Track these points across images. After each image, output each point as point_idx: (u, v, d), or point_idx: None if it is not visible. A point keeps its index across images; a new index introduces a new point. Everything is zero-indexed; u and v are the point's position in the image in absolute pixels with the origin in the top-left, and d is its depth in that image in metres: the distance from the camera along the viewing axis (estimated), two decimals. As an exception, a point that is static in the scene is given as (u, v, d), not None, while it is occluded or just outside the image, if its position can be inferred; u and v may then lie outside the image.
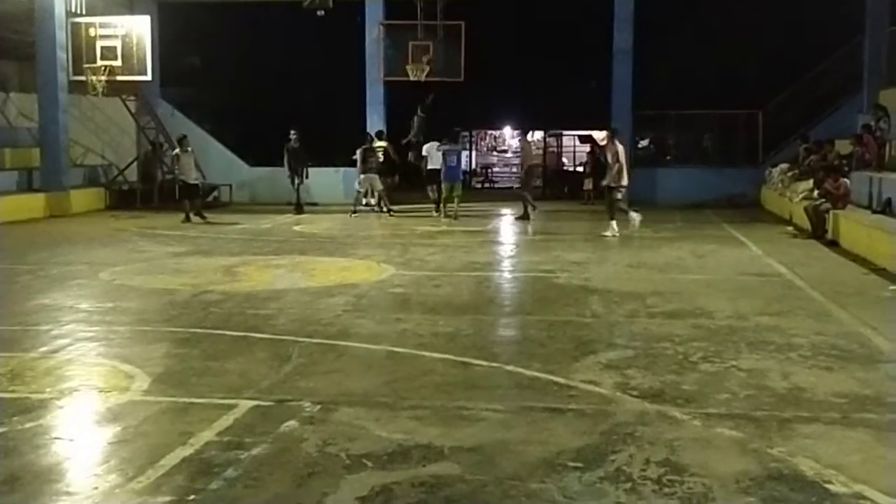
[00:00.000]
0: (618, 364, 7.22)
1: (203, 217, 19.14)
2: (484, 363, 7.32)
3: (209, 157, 23.80)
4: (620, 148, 16.54)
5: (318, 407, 6.09)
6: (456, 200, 19.55)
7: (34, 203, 19.96)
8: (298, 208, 21.05)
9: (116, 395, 6.46)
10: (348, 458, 5.13)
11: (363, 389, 6.58)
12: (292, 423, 5.78)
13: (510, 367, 7.15)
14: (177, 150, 19.77)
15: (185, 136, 20.01)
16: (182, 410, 6.10)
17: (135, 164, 24.05)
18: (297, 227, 18.20)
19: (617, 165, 16.25)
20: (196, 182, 19.61)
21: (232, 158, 24.81)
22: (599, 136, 27.78)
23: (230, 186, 24.24)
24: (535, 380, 6.82)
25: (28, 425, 5.78)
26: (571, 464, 5.04)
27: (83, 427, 5.89)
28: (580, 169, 21.27)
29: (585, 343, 7.97)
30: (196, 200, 19.55)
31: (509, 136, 33.45)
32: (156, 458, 5.11)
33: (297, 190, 21.16)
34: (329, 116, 24.66)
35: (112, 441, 5.53)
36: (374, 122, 23.49)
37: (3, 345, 8.06)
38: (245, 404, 6.16)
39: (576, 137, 29.72)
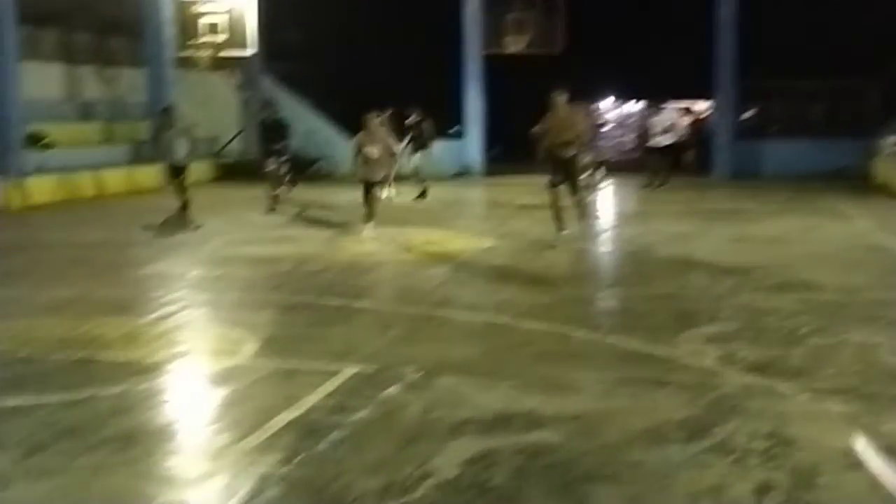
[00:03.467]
0: (722, 337, 7.11)
1: (275, 202, 16.26)
2: (584, 334, 7.30)
3: (312, 130, 24.15)
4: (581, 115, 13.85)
5: (420, 374, 6.17)
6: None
7: (144, 175, 20.59)
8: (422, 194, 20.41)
9: (226, 358, 6.66)
10: (450, 424, 5.19)
11: (464, 358, 6.64)
12: (395, 389, 5.87)
13: (611, 339, 7.11)
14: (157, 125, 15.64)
15: (167, 108, 15.59)
16: (288, 374, 6.25)
17: (239, 137, 24.57)
18: (397, 199, 18.34)
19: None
20: (183, 164, 14.67)
21: (334, 131, 25.12)
22: (699, 107, 27.27)
23: (332, 159, 24.56)
24: (636, 352, 6.77)
25: (142, 387, 6.01)
26: (674, 434, 5.00)
27: (195, 389, 6.10)
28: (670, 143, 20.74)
29: (688, 316, 7.86)
30: (281, 182, 16.60)
31: (609, 107, 33.05)
32: (264, 420, 5.25)
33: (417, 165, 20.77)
34: (427, 90, 24.71)
35: (223, 402, 5.71)
36: (472, 96, 23.48)
37: (118, 310, 8.38)
38: (349, 370, 6.27)
39: (675, 109, 29.16)
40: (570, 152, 11.78)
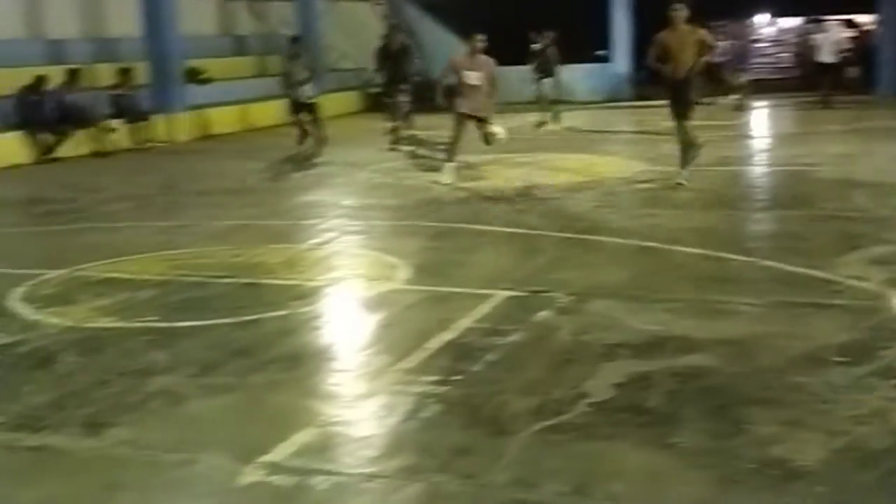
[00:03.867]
0: (888, 259, 6.83)
1: (397, 140, 15.30)
2: (739, 258, 7.15)
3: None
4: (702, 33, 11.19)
5: (572, 298, 6.20)
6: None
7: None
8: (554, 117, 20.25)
9: (381, 283, 6.85)
10: (603, 347, 5.22)
11: (615, 282, 6.63)
12: (547, 312, 5.93)
13: (767, 262, 6.94)
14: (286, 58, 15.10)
15: (295, 38, 15.35)
16: (442, 299, 6.39)
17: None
18: (542, 126, 18.21)
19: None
20: (309, 101, 14.27)
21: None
22: (862, 21, 25.71)
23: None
24: (794, 275, 6.60)
25: (305, 309, 6.28)
26: (836, 358, 4.88)
27: (353, 312, 6.31)
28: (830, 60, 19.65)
29: (850, 238, 7.57)
30: (400, 116, 15.36)
31: (765, 23, 31.57)
32: (421, 342, 5.41)
33: (544, 91, 20.62)
34: (571, 14, 24.19)
35: (380, 325, 5.90)
36: (619, 18, 22.89)
37: (278, 237, 8.72)
38: (500, 294, 6.36)
39: (836, 24, 27.59)
40: (687, 74, 10.37)
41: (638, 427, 4.15)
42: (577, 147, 14.88)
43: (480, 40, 11.63)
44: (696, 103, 11.01)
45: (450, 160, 11.70)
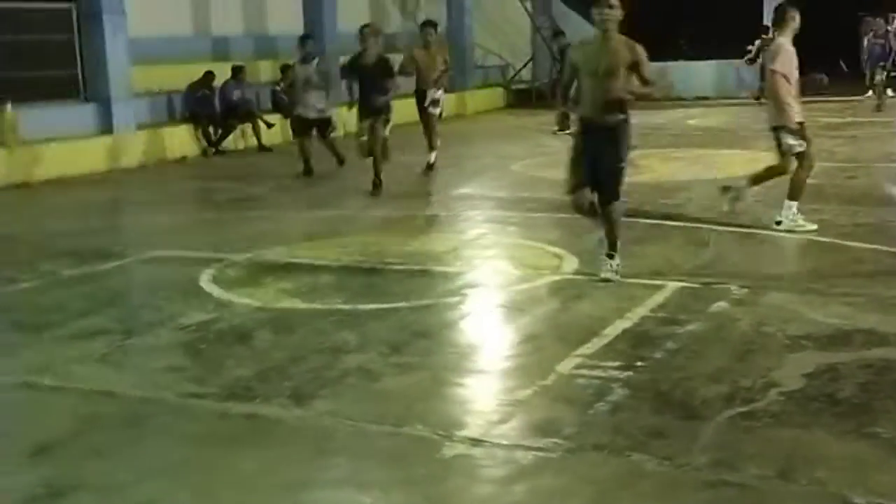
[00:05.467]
0: None
1: (340, 160, 12.67)
2: (919, 253, 6.96)
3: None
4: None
5: (746, 290, 6.17)
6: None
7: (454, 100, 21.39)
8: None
9: (550, 273, 6.95)
10: (786, 339, 5.19)
11: (789, 275, 6.56)
12: (722, 303, 5.92)
13: (951, 258, 6.74)
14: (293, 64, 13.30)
15: (305, 37, 13.12)
16: (613, 288, 6.44)
17: (530, 64, 24.88)
18: (690, 121, 17.97)
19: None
20: (318, 117, 12.40)
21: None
22: None
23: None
24: (981, 271, 6.39)
25: (478, 296, 6.45)
26: None
27: (525, 300, 6.40)
28: None
29: None
30: (327, 139, 12.70)
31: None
32: (598, 329, 5.48)
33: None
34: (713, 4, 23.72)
35: (555, 312, 6.01)
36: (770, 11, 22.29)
37: (441, 227, 8.94)
38: (672, 285, 6.38)
39: None
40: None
41: (834, 416, 4.14)
42: (727, 142, 14.63)
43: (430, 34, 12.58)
44: None
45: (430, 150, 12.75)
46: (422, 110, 12.53)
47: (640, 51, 6.44)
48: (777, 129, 7.99)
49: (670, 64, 21.41)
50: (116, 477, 3.80)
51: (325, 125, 12.60)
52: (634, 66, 6.44)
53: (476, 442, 4.03)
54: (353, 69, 11.08)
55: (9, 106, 12.38)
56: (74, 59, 14.00)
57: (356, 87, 10.98)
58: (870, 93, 19.14)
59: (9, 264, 7.68)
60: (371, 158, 10.80)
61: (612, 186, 6.63)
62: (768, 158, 12.53)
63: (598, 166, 6.58)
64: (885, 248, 7.17)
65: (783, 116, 7.85)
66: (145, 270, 7.64)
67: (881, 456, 3.75)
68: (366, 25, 11.25)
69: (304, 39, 12.99)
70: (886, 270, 6.61)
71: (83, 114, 13.74)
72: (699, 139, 15.25)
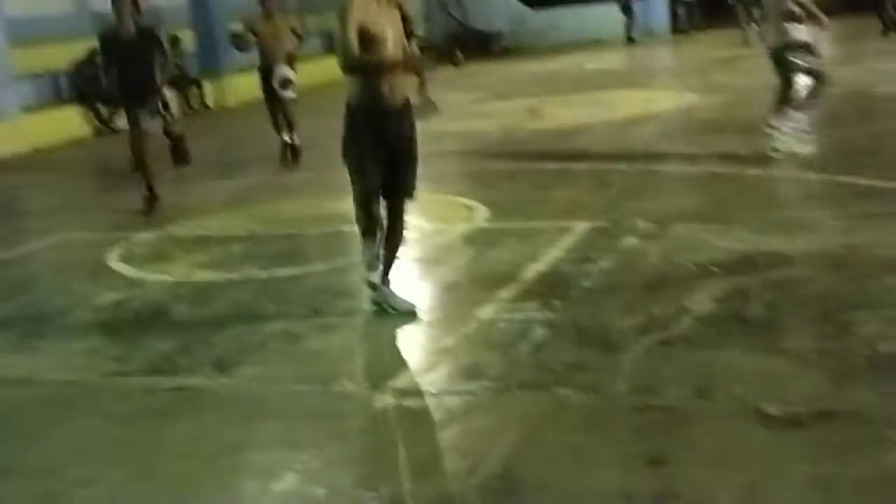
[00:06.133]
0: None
1: (295, 154, 10.49)
2: (813, 176, 7.23)
3: (490, 3, 24.07)
4: None
5: (653, 225, 6.33)
6: None
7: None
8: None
9: (463, 223, 7.03)
10: (695, 266, 5.37)
11: (693, 207, 6.75)
12: (631, 239, 6.08)
13: (843, 178, 7.01)
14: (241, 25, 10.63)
15: None
16: (525, 234, 6.56)
17: (423, 21, 24.77)
18: (588, 65, 18.20)
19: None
20: (286, 96, 10.18)
21: (513, 3, 24.92)
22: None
23: (513, 32, 24.46)
24: (870, 187, 6.68)
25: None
26: (928, 261, 5.00)
27: (441, 251, 6.46)
28: None
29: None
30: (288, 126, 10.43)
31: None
32: (515, 274, 5.58)
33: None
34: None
35: (470, 261, 6.09)
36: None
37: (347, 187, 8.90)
38: (581, 225, 6.52)
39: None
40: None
41: (745, 336, 4.33)
42: (626, 83, 14.89)
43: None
44: None
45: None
46: (269, 91, 10.19)
47: None
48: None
49: (563, 10, 21.68)
50: (50, 458, 3.77)
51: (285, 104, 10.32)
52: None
53: (404, 392, 4.10)
54: (106, 48, 8.50)
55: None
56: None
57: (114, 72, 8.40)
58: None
59: None
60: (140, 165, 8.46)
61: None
62: (662, 96, 12.90)
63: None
64: (781, 172, 7.44)
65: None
66: (51, 256, 7.46)
67: (791, 368, 3.94)
68: None
69: None
70: (783, 193, 6.89)
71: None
72: (597, 82, 15.47)
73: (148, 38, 8.42)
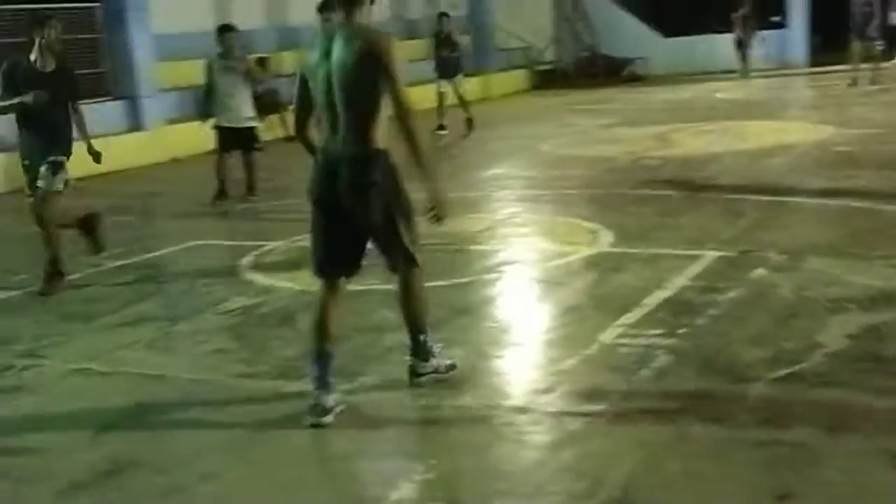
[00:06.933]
0: None
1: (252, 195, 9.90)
2: (958, 215, 6.92)
3: (621, 29, 23.90)
4: None
5: (785, 257, 6.16)
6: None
7: (466, 87, 21.37)
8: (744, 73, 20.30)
9: (586, 248, 6.97)
10: (828, 302, 5.19)
11: (827, 241, 6.54)
12: (761, 270, 5.92)
13: None
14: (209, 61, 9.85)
15: (225, 28, 9.90)
16: (650, 260, 6.46)
17: (553, 44, 24.80)
18: (719, 95, 17.88)
19: None
20: (245, 125, 9.66)
21: (644, 30, 24.68)
22: None
23: (644, 59, 24.20)
24: None
25: (516, 273, 6.50)
26: None
27: (564, 275, 6.41)
28: None
29: None
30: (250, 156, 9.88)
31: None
32: (639, 299, 5.50)
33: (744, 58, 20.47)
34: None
35: (593, 285, 6.03)
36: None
37: (472, 207, 8.95)
38: (709, 255, 6.38)
39: None
40: None
41: (880, 375, 4.16)
42: (759, 114, 14.56)
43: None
44: None
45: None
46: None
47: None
48: None
49: (696, 38, 21.37)
50: (177, 453, 3.90)
51: (248, 138, 9.76)
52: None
53: (522, 410, 4.09)
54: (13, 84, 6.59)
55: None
56: (101, 57, 14.15)
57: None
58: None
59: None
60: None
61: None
62: (796, 127, 12.56)
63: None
64: (922, 210, 7.13)
65: None
66: (186, 260, 7.73)
67: (930, 411, 3.77)
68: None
69: (223, 29, 9.87)
70: (925, 232, 6.58)
71: (112, 111, 13.88)
72: (728, 111, 15.18)
73: (66, 76, 6.83)
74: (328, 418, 4.03)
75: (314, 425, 4.00)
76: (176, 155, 13.89)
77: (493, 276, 6.43)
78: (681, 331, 4.92)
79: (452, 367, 4.46)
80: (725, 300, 5.38)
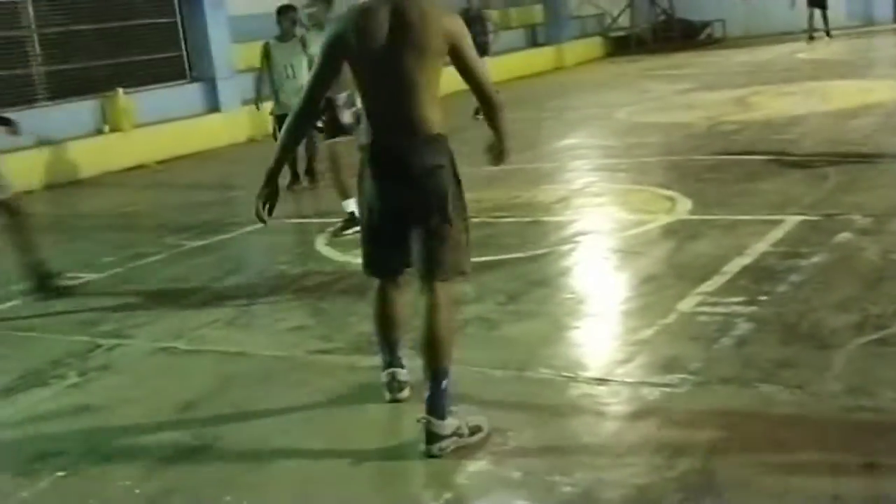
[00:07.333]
0: None
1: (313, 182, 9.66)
2: None
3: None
4: None
5: (871, 219, 5.99)
6: None
7: (540, 57, 21.24)
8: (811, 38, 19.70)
9: (665, 215, 6.86)
10: (917, 264, 5.03)
11: (916, 202, 6.33)
12: (846, 234, 5.76)
13: None
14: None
15: (284, 10, 9.69)
16: (730, 226, 6.33)
17: (627, 10, 24.41)
18: (801, 55, 17.40)
19: None
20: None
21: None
22: None
23: (722, 22, 23.67)
24: None
25: (593, 243, 6.43)
26: None
27: (641, 243, 6.32)
28: None
29: None
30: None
31: None
32: (718, 266, 5.40)
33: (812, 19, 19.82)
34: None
35: (673, 253, 5.93)
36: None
37: (548, 180, 8.89)
38: (792, 219, 6.23)
39: None
40: None
41: (973, 338, 4.01)
42: (843, 74, 14.13)
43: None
44: None
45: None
46: None
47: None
48: None
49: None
50: (257, 428, 3.96)
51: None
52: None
53: (601, 381, 4.05)
54: None
55: (120, 91, 12.81)
56: (179, 40, 14.39)
57: None
58: None
59: (137, 240, 8.00)
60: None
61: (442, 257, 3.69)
62: (882, 87, 12.14)
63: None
64: None
65: None
66: (263, 238, 7.83)
67: None
68: None
69: (283, 9, 9.72)
70: None
71: (190, 94, 14.13)
72: (810, 72, 14.76)
73: None
74: (404, 393, 4.03)
75: (393, 401, 4.00)
76: (252, 135, 14.06)
77: (570, 246, 6.37)
78: (762, 298, 4.82)
79: (478, 428, 3.61)
80: (808, 265, 5.25)
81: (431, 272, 3.66)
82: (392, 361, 4.04)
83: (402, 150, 3.62)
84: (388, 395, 4.03)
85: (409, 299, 4.02)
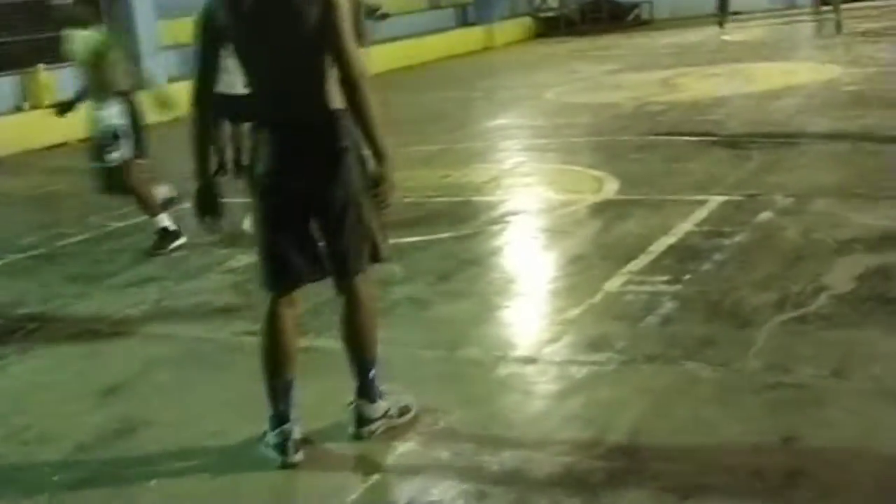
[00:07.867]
0: None
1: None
2: (967, 152, 6.84)
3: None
4: None
5: (792, 199, 6.12)
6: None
7: (470, 37, 21.23)
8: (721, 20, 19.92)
9: (591, 195, 6.94)
10: (835, 243, 5.15)
11: (835, 182, 6.48)
12: (768, 213, 5.88)
13: None
14: None
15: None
16: (656, 206, 6.42)
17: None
18: (726, 37, 17.66)
19: None
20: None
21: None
22: None
23: (650, 3, 23.92)
24: None
25: (521, 223, 6.47)
26: None
27: (568, 223, 6.38)
28: None
29: None
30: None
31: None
32: (644, 246, 5.48)
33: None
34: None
35: (599, 232, 6.00)
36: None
37: (478, 159, 8.91)
38: (715, 199, 6.34)
39: None
40: None
41: (886, 315, 4.13)
42: (766, 56, 14.40)
43: None
44: None
45: None
46: None
47: None
48: None
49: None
50: (186, 412, 3.91)
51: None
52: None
53: (529, 360, 4.08)
54: None
55: (41, 67, 12.47)
56: (101, 16, 14.02)
57: None
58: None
59: (59, 220, 7.84)
60: None
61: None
62: (804, 68, 12.40)
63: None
64: (931, 149, 7.05)
65: None
66: (190, 219, 7.71)
67: (938, 350, 3.74)
68: None
69: None
70: (934, 171, 6.51)
71: (115, 71, 13.79)
72: (735, 54, 15.00)
73: None
74: (300, 455, 3.37)
75: (285, 466, 3.34)
76: (179, 114, 13.78)
77: (500, 226, 6.40)
78: (686, 277, 4.90)
79: (407, 409, 3.59)
80: (731, 245, 5.35)
81: (346, 267, 3.38)
82: (285, 415, 3.39)
83: (298, 131, 3.29)
84: (280, 460, 3.35)
85: (299, 316, 3.55)
